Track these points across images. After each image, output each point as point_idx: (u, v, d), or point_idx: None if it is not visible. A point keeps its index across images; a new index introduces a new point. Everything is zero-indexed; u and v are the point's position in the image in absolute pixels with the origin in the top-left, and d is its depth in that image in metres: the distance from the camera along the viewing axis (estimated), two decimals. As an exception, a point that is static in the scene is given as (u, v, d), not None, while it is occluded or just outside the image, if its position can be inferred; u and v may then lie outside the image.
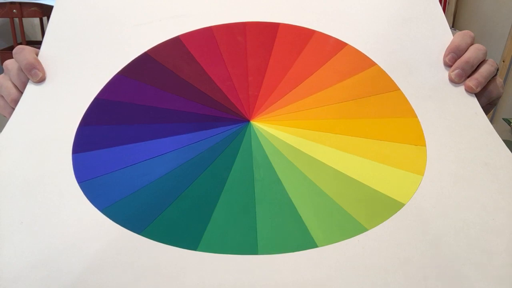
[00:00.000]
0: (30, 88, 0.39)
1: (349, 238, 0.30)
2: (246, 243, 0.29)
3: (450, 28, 0.47)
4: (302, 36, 0.43)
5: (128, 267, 0.28)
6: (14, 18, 2.10)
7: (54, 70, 0.40)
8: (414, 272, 0.28)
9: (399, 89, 0.39)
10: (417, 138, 0.36)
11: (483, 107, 0.39)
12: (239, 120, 0.38)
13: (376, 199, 0.32)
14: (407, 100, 0.39)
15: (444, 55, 0.41)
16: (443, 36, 0.42)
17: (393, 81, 0.40)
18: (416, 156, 0.35)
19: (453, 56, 0.40)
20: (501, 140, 0.36)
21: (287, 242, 0.29)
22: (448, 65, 0.41)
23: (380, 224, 0.30)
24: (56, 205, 0.32)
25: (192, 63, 0.41)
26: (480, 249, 0.29)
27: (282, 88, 0.40)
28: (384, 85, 0.40)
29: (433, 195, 0.33)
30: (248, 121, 0.38)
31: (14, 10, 2.04)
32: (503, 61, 1.72)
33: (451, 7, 2.07)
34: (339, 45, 0.42)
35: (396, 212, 0.31)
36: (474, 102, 0.39)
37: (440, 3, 2.10)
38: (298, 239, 0.29)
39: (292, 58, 0.42)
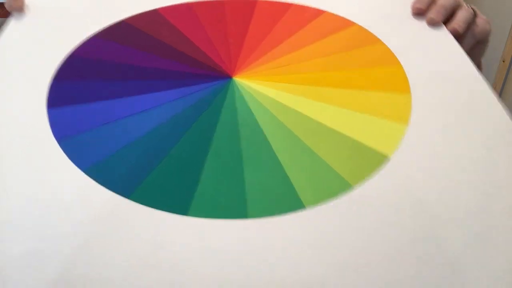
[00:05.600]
0: (12, 25, 0.39)
1: (334, 196, 0.29)
2: (236, 207, 0.29)
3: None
4: (281, 8, 0.44)
5: (117, 233, 0.27)
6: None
7: (37, 17, 0.40)
8: (399, 232, 0.27)
9: (381, 41, 0.40)
10: (402, 86, 0.36)
11: (474, 48, 0.40)
12: (221, 76, 0.37)
13: (360, 152, 0.32)
14: (390, 50, 0.39)
15: (413, 3, 0.42)
16: None
17: (374, 35, 0.40)
18: (401, 104, 0.35)
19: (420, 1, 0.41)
20: (487, 84, 0.36)
21: (275, 205, 0.29)
22: (418, 10, 0.42)
23: (365, 180, 0.30)
24: (34, 161, 0.30)
25: (171, 29, 0.42)
26: (467, 203, 0.29)
27: (263, 47, 0.40)
28: (365, 39, 0.40)
29: (419, 145, 0.32)
30: (231, 77, 0.37)
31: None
32: (503, 61, 1.72)
33: (451, 8, 2.07)
34: (317, 12, 0.44)
35: (381, 166, 0.31)
36: (456, 47, 0.39)
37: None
38: (286, 200, 0.29)
39: (272, 24, 0.42)
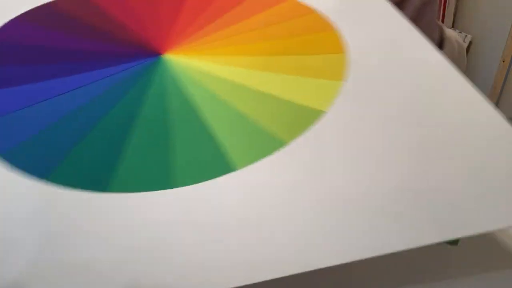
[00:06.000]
0: None
1: (267, 155, 0.28)
2: (160, 177, 0.27)
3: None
4: None
5: (33, 217, 0.26)
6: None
7: None
8: (336, 182, 0.26)
9: (316, 11, 0.40)
10: (336, 47, 0.36)
11: (423, 8, 0.40)
12: (150, 54, 0.36)
13: (294, 111, 0.31)
14: (325, 19, 0.39)
15: None
16: None
17: (309, 6, 0.41)
18: (336, 63, 0.34)
19: None
20: (420, 34, 0.36)
21: (203, 171, 0.28)
22: None
23: (300, 136, 0.29)
24: None
25: (98, 10, 0.40)
26: (401, 145, 0.28)
27: (198, 24, 0.40)
28: (301, 10, 0.40)
29: (356, 98, 0.31)
30: (160, 54, 0.37)
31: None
32: (503, 61, 1.72)
33: (451, 7, 2.07)
34: None
35: (316, 121, 0.30)
36: (388, 6, 0.39)
37: (440, 3, 2.10)
38: (215, 165, 0.28)
39: (207, 3, 0.42)
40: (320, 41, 0.37)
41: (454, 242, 0.34)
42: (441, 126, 0.29)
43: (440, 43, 0.52)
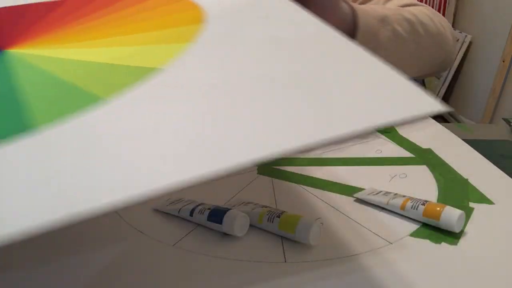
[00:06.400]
0: None
1: (76, 110, 0.25)
2: None
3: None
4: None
5: None
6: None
7: None
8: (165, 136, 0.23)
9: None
10: (195, 20, 0.35)
11: None
12: None
13: (121, 71, 0.30)
14: (195, 3, 0.38)
15: None
16: None
17: None
18: (187, 32, 0.33)
19: None
20: (299, 7, 0.34)
21: None
22: None
23: (123, 91, 0.27)
24: None
25: None
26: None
27: (58, 23, 0.39)
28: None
29: (204, 54, 0.30)
30: (2, 49, 0.35)
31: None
32: (503, 61, 1.72)
33: (451, 7, 2.07)
34: None
35: (144, 77, 0.28)
36: None
37: (440, 3, 2.09)
38: (11, 124, 0.25)
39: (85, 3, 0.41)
40: (180, 18, 0.36)
41: (453, 242, 0.35)
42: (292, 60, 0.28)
43: (354, 25, 0.51)
